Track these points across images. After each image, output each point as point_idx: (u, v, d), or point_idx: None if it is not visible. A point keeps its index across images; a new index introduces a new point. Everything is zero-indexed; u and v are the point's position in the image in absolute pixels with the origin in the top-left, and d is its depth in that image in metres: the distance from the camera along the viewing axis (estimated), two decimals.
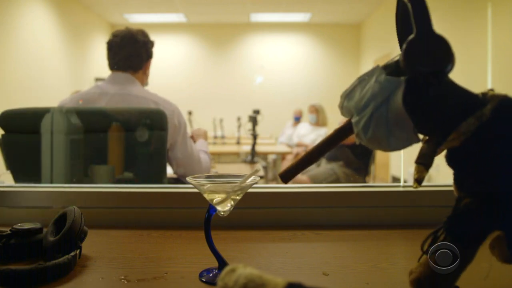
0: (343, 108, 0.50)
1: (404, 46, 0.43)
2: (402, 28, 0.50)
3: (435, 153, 0.47)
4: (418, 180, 0.49)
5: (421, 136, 0.47)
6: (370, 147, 0.48)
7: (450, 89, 0.45)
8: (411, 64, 0.43)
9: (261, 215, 0.90)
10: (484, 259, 0.48)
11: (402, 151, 1.17)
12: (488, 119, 0.43)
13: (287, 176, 0.54)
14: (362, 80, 0.47)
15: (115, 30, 1.68)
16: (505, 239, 0.46)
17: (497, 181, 0.44)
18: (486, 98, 0.45)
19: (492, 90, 0.46)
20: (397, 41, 0.50)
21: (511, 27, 3.28)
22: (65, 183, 1.28)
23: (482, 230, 0.45)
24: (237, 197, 0.61)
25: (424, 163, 0.49)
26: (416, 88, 0.44)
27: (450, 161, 0.47)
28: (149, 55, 1.69)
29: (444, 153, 0.48)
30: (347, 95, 0.48)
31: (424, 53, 0.42)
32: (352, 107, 0.47)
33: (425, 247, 0.46)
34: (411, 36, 0.42)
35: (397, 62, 0.47)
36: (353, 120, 0.47)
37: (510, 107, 0.44)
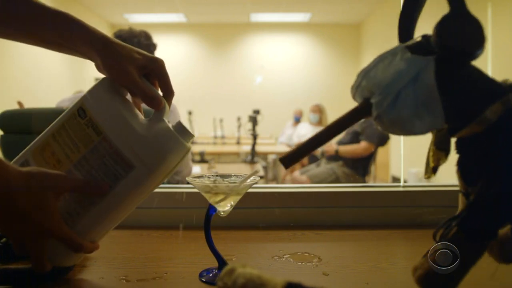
0: (358, 88, 0.46)
1: (438, 21, 0.41)
2: (405, 22, 0.48)
3: (450, 140, 0.45)
4: (435, 169, 0.47)
5: None
6: (389, 131, 0.45)
7: (477, 73, 0.43)
8: (443, 40, 0.41)
9: (261, 215, 0.90)
10: (491, 257, 0.47)
11: (402, 151, 1.16)
12: None
13: (288, 160, 0.47)
14: (384, 58, 0.44)
15: (118, 30, 1.66)
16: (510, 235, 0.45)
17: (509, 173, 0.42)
18: (509, 86, 0.43)
19: (507, 80, 0.44)
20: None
21: (511, 27, 3.28)
22: None
23: (492, 225, 0.43)
24: (237, 197, 0.61)
25: (445, 148, 0.47)
26: (448, 67, 0.42)
27: (462, 148, 0.45)
28: None
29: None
30: (366, 73, 0.45)
31: (458, 31, 0.41)
32: (372, 86, 0.44)
33: (437, 237, 0.45)
34: (447, 12, 0.41)
35: (419, 42, 0.45)
36: (374, 100, 0.43)
37: None
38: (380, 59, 0.45)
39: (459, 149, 0.46)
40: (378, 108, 0.43)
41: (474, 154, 0.44)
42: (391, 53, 0.44)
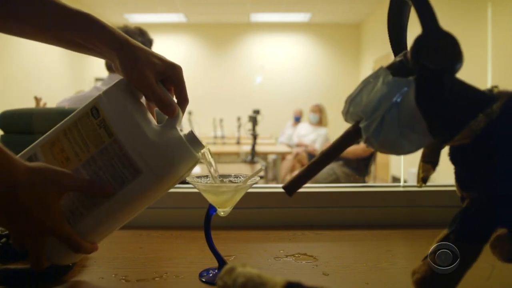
0: (347, 114, 0.48)
1: (413, 42, 0.42)
2: (394, 29, 0.50)
3: (440, 151, 0.47)
4: (425, 179, 0.48)
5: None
6: (381, 152, 0.47)
7: (459, 86, 0.44)
8: (420, 61, 0.41)
9: (261, 215, 0.90)
10: (487, 259, 0.47)
11: None
12: (498, 116, 0.42)
13: (292, 187, 0.49)
14: (368, 83, 0.46)
15: None
16: (509, 236, 0.46)
17: (505, 178, 0.43)
18: (493, 95, 0.44)
19: (496, 87, 0.45)
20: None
21: (511, 27, 3.28)
22: None
23: (487, 228, 0.44)
24: (237, 197, 0.61)
25: (432, 161, 0.48)
26: (427, 87, 0.42)
27: (454, 158, 0.46)
28: None
29: (445, 151, 0.48)
30: (352, 99, 0.47)
31: (433, 50, 0.41)
32: (359, 112, 0.46)
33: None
34: (420, 33, 0.41)
35: (400, 62, 0.46)
36: (362, 125, 0.45)
37: None
38: (364, 85, 0.46)
39: (451, 158, 0.47)
40: (366, 132, 0.45)
41: (465, 163, 0.46)
42: (374, 77, 0.46)
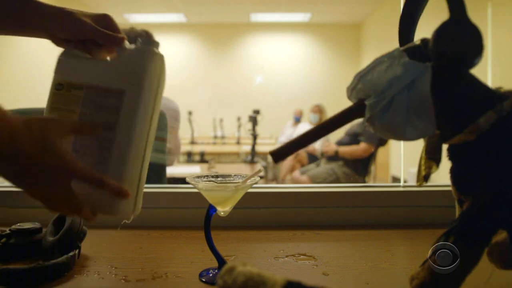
0: (354, 90, 0.46)
1: (437, 28, 0.41)
2: (407, 19, 0.48)
3: (441, 146, 0.46)
4: (426, 177, 0.47)
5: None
6: (380, 134, 0.45)
7: (472, 81, 0.43)
8: (440, 47, 0.41)
9: (261, 215, 0.90)
10: (486, 262, 0.47)
11: (402, 151, 1.16)
12: (508, 113, 0.41)
13: (279, 154, 0.47)
14: (381, 62, 0.44)
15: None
16: (507, 242, 0.46)
17: (504, 180, 0.42)
18: (502, 94, 0.43)
19: (500, 88, 0.44)
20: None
21: (511, 27, 3.28)
22: None
23: (489, 228, 0.43)
24: (237, 197, 0.61)
25: (435, 157, 0.47)
26: (444, 76, 0.41)
27: (454, 156, 0.45)
28: None
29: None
30: (362, 76, 0.45)
31: (456, 38, 0.40)
32: (368, 89, 0.44)
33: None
34: (446, 19, 0.40)
35: (417, 47, 0.44)
36: (368, 102, 0.44)
37: None
38: (377, 63, 0.44)
39: (451, 156, 0.46)
40: (372, 110, 0.43)
41: (467, 162, 0.44)
42: (388, 57, 0.44)
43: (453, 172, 0.46)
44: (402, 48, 0.45)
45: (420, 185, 0.49)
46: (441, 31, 0.41)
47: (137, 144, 0.54)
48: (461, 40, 0.40)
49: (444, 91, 0.42)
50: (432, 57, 0.42)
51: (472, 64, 0.41)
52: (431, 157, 0.47)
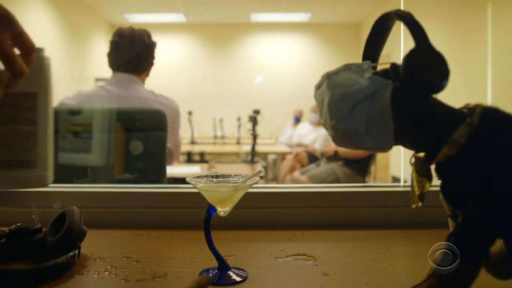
0: (319, 89, 0.49)
1: (406, 54, 0.43)
2: (371, 49, 0.52)
3: (430, 166, 0.47)
4: (421, 196, 0.48)
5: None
6: (341, 143, 0.48)
7: (438, 102, 0.46)
8: (411, 72, 0.43)
9: (261, 215, 0.90)
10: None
11: (402, 151, 1.17)
12: (478, 125, 0.44)
13: None
14: (349, 68, 0.47)
15: (119, 29, 1.64)
16: (505, 249, 0.46)
17: (493, 187, 0.43)
18: (470, 109, 0.46)
19: (468, 104, 0.47)
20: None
21: (511, 27, 3.28)
22: (65, 183, 1.28)
23: (485, 242, 0.44)
24: (237, 197, 0.61)
25: (427, 175, 0.48)
26: (415, 98, 0.44)
27: (442, 172, 0.47)
28: (153, 57, 1.68)
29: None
30: (330, 75, 0.48)
31: (425, 64, 0.43)
32: (331, 88, 0.47)
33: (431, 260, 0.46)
34: (414, 47, 0.43)
35: (385, 70, 0.47)
36: (330, 111, 0.46)
37: (495, 112, 0.45)
38: (346, 68, 0.47)
39: (439, 174, 0.47)
40: (335, 116, 0.46)
41: (454, 177, 0.46)
42: (357, 66, 0.47)
43: (444, 188, 0.47)
44: (372, 64, 0.47)
45: (416, 207, 0.49)
46: (410, 58, 0.43)
47: (51, 131, 0.65)
48: (429, 65, 0.43)
49: (416, 113, 0.45)
50: (402, 81, 0.44)
51: (441, 88, 0.43)
52: (423, 175, 0.48)
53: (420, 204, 0.48)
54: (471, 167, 0.44)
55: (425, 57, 0.43)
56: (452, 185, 0.47)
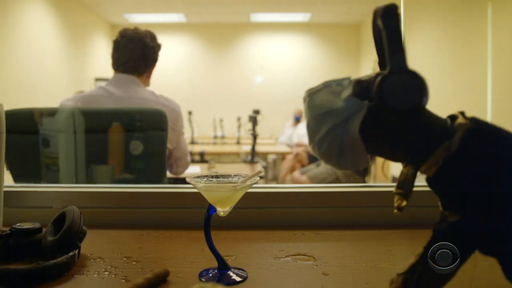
0: (304, 104, 0.49)
1: (376, 82, 0.42)
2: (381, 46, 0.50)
3: (414, 180, 0.48)
4: (399, 208, 0.49)
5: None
6: (322, 160, 0.49)
7: (418, 120, 0.44)
8: (385, 101, 0.42)
9: (261, 215, 0.90)
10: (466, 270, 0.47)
11: None
12: (457, 149, 0.43)
13: None
14: (329, 86, 0.46)
15: (123, 29, 1.64)
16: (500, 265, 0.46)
17: (471, 210, 0.44)
18: (453, 126, 0.44)
19: (462, 112, 0.46)
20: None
21: (511, 27, 3.28)
22: (65, 183, 1.28)
23: (464, 250, 0.44)
24: (237, 197, 0.61)
25: (403, 192, 0.49)
26: (382, 119, 0.44)
27: (430, 186, 0.47)
28: (155, 59, 1.68)
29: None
30: (312, 94, 0.47)
31: (397, 92, 0.42)
32: (311, 110, 0.47)
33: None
34: (385, 73, 0.42)
35: (367, 82, 0.45)
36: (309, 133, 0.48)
37: (477, 136, 0.43)
38: (325, 86, 0.47)
39: (429, 186, 0.47)
40: (312, 140, 0.47)
41: (438, 190, 0.46)
42: (338, 83, 0.46)
43: (440, 195, 0.48)
44: (355, 80, 0.46)
45: (396, 213, 0.51)
46: (381, 88, 0.42)
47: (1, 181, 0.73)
48: (403, 92, 0.42)
49: (389, 135, 0.45)
50: (377, 105, 0.43)
51: (421, 108, 0.42)
52: (398, 193, 0.49)
53: (398, 212, 0.50)
54: (448, 186, 0.45)
55: (398, 84, 0.41)
56: (438, 195, 0.47)
